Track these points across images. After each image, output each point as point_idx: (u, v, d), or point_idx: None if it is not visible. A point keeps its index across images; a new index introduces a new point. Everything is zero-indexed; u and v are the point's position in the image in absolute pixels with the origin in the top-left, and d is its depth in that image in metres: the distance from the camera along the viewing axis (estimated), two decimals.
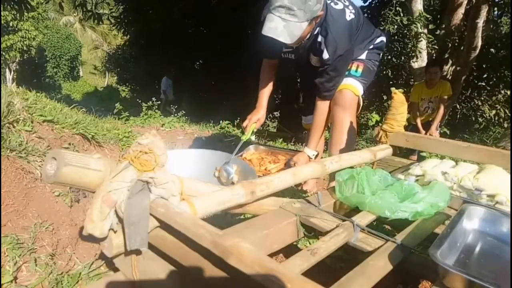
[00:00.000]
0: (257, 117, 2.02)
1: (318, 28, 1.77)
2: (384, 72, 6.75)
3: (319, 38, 1.78)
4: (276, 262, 0.79)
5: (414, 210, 1.24)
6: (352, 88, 1.98)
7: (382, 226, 1.65)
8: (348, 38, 1.81)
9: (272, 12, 1.61)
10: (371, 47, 2.04)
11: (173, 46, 8.42)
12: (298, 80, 2.53)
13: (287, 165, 1.97)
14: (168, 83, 8.41)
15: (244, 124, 2.01)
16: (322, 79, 1.87)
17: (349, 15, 1.79)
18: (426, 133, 4.18)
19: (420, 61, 5.37)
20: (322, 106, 1.96)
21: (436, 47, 5.55)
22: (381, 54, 2.15)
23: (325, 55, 1.78)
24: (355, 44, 1.90)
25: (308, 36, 1.79)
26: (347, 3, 1.83)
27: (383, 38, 2.08)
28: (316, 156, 1.99)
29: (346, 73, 1.99)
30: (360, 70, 2.00)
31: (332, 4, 1.78)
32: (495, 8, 5.59)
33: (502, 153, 1.63)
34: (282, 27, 1.61)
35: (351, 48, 1.88)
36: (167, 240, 0.99)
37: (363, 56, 2.02)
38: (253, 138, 2.07)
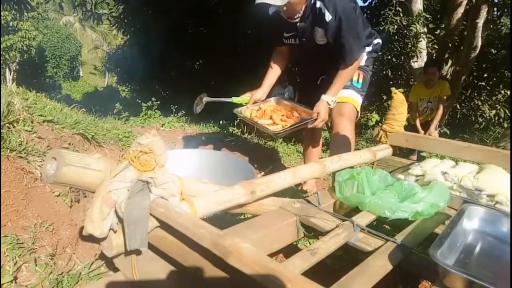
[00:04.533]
0: (251, 93, 2.20)
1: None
2: (384, 72, 6.75)
3: (318, 4, 1.83)
4: (276, 262, 0.79)
5: (414, 210, 1.24)
6: (353, 101, 2.07)
7: (382, 226, 1.65)
8: None
9: None
10: (370, 49, 2.08)
11: (173, 46, 8.40)
12: (298, 79, 2.55)
13: (302, 120, 2.00)
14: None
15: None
16: (342, 49, 1.86)
17: None
18: (425, 133, 4.18)
19: (420, 61, 5.37)
20: (348, 69, 1.94)
21: (436, 47, 5.54)
22: (375, 58, 2.23)
23: (328, 17, 1.81)
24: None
25: (306, 9, 1.86)
26: None
27: (379, 40, 2.15)
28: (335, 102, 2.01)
29: (348, 83, 2.04)
30: (361, 80, 2.09)
31: None
32: (495, 8, 5.58)
33: (502, 153, 1.63)
34: None
35: (355, 6, 1.86)
36: (167, 240, 0.99)
37: (362, 62, 2.06)
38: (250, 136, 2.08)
